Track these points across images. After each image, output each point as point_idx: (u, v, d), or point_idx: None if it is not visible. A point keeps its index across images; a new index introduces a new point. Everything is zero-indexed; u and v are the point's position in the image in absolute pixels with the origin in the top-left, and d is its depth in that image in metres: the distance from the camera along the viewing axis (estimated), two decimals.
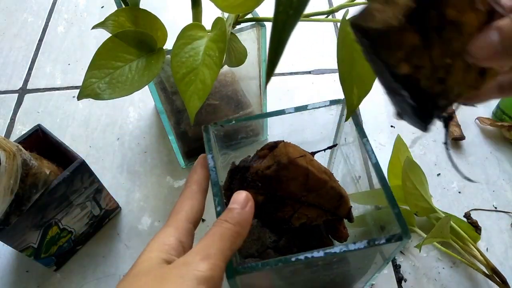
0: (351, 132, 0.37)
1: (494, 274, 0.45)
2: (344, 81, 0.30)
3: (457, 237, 0.47)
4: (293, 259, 0.29)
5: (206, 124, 0.36)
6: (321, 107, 0.37)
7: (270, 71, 0.19)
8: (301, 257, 0.28)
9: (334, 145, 0.42)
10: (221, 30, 0.33)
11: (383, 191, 0.32)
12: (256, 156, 0.35)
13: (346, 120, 0.32)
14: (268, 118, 0.38)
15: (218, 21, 0.35)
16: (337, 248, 0.29)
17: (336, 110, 0.38)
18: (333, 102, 0.37)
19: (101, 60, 0.35)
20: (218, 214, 0.31)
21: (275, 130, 0.54)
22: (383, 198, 0.32)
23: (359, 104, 0.31)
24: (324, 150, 0.39)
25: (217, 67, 0.32)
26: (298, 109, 0.37)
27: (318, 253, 0.29)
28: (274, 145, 0.35)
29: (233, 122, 0.37)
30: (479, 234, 0.50)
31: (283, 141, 0.35)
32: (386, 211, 0.32)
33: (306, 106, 0.37)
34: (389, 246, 0.30)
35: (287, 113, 0.37)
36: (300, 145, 0.36)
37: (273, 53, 0.19)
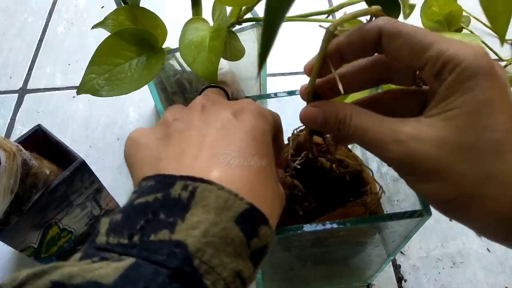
0: None
1: None
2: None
3: None
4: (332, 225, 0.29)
5: None
6: None
7: (262, 59, 0.19)
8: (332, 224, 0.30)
9: None
10: (222, 20, 0.34)
11: None
12: None
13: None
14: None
15: (216, 7, 0.35)
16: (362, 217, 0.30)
17: None
18: None
19: (101, 56, 0.35)
20: None
21: None
22: None
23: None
24: None
25: (219, 52, 0.33)
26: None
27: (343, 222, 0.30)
28: None
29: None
30: None
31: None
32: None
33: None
34: (410, 222, 0.31)
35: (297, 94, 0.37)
36: None
37: (266, 39, 0.18)
